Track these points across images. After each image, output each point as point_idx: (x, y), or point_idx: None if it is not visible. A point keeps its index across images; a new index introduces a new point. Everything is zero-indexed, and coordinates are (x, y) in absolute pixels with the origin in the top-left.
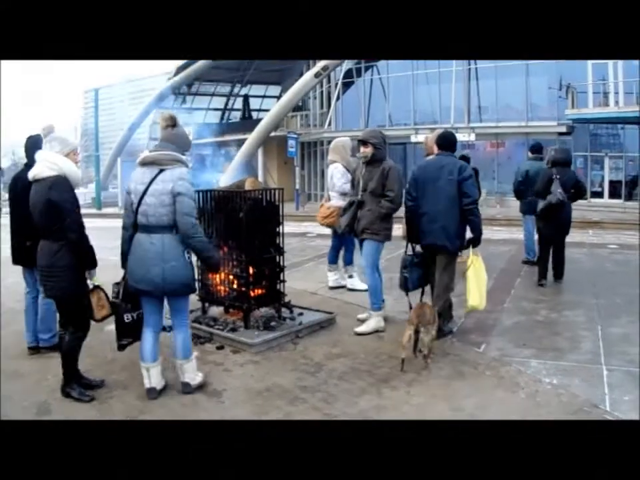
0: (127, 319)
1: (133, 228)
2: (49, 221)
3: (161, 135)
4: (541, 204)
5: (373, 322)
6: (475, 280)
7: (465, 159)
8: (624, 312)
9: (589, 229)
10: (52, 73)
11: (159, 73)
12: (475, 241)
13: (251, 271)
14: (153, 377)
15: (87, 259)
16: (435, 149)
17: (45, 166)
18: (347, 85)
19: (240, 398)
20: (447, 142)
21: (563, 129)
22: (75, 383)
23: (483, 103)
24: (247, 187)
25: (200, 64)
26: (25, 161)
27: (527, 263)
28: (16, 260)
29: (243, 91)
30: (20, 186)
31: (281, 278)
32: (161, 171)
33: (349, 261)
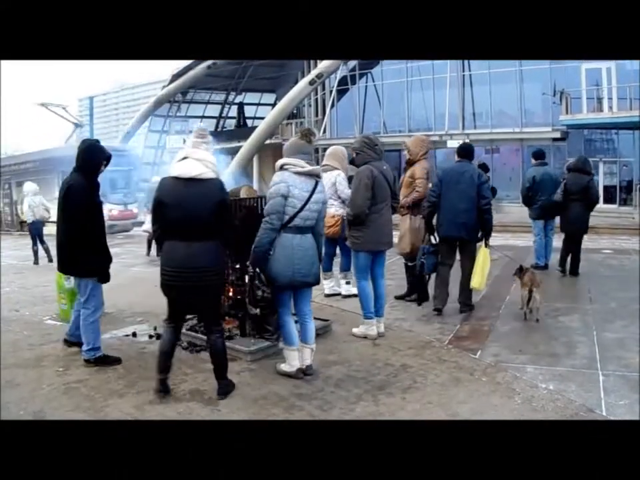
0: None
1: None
2: (217, 221)
3: (305, 148)
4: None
5: (363, 327)
6: (480, 266)
7: (484, 166)
8: (619, 317)
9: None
10: (47, 80)
11: (153, 80)
12: (488, 235)
13: (246, 279)
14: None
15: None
16: (420, 154)
17: (207, 167)
18: (341, 92)
19: (236, 406)
20: (466, 152)
21: (557, 135)
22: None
23: (477, 109)
24: (242, 195)
25: (195, 72)
26: None
27: (536, 268)
28: (67, 269)
29: (238, 99)
30: (74, 192)
31: None
32: (317, 181)
33: (345, 267)
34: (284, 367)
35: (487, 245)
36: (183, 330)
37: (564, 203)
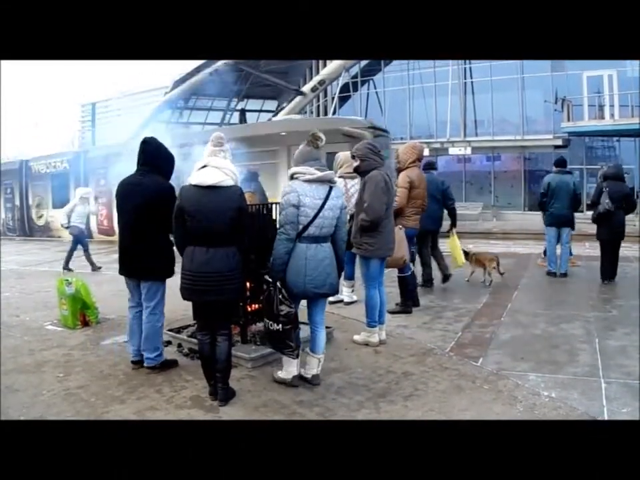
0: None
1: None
2: (237, 227)
3: (314, 154)
4: (594, 213)
5: (364, 335)
6: (457, 249)
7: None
8: (621, 324)
9: (585, 241)
10: (49, 85)
11: (155, 87)
12: (454, 226)
13: (247, 285)
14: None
15: (249, 261)
16: (409, 161)
17: (226, 174)
18: (343, 99)
19: (237, 413)
20: (430, 165)
21: (559, 142)
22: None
23: (479, 117)
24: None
25: (197, 78)
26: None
27: (548, 274)
28: (130, 272)
29: (240, 106)
30: (133, 190)
31: None
32: (331, 187)
33: (349, 275)
34: (280, 374)
35: (452, 230)
36: (184, 336)
37: (610, 211)
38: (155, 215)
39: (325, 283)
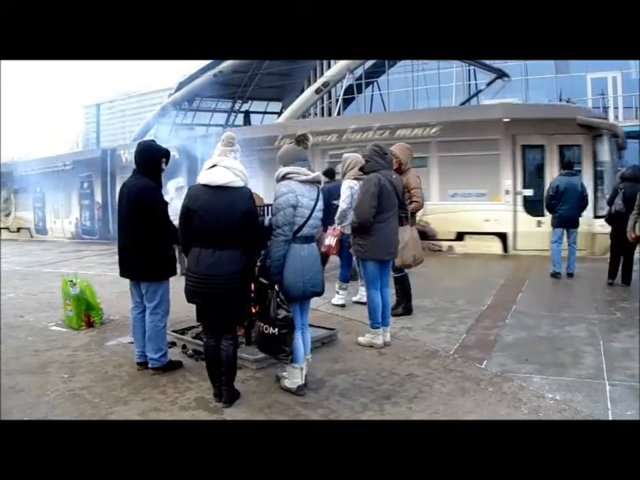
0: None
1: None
2: (244, 230)
3: (303, 155)
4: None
5: (369, 336)
6: None
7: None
8: (625, 326)
9: None
10: (53, 87)
11: (159, 88)
12: None
13: (252, 287)
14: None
15: (254, 264)
16: (409, 162)
17: (236, 175)
18: (347, 101)
19: (241, 414)
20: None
21: None
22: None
23: None
24: None
25: (201, 80)
26: None
27: (554, 275)
28: (127, 273)
29: (244, 107)
30: (134, 193)
31: None
32: (318, 188)
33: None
34: (287, 383)
35: None
36: (189, 338)
37: (626, 212)
38: (143, 216)
39: (319, 282)
